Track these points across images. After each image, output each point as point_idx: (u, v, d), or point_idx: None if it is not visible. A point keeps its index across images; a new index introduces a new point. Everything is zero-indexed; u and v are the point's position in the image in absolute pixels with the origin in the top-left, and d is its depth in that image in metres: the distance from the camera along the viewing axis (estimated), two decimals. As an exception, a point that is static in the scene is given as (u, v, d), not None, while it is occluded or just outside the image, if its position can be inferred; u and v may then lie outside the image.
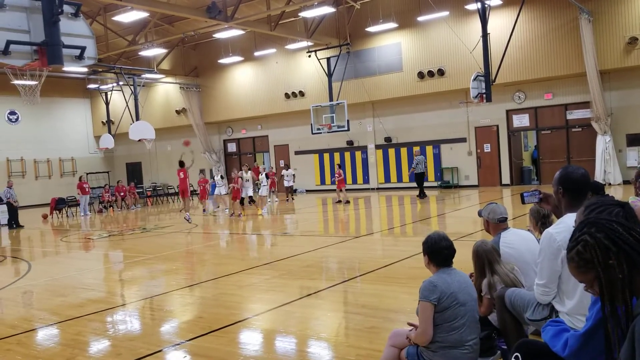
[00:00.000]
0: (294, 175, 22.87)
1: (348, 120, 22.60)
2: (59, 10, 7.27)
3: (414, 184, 23.68)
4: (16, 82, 14.30)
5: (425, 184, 23.39)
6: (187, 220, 16.50)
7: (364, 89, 23.63)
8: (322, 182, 26.43)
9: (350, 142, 25.38)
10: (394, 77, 22.98)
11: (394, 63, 22.99)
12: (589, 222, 1.90)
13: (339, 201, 19.77)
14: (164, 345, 5.59)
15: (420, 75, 22.13)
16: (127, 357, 5.22)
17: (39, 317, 7.16)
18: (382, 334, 5.09)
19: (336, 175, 20.28)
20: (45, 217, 22.66)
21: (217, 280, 8.53)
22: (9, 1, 7.04)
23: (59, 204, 23.71)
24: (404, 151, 24.12)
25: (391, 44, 22.99)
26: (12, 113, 30.09)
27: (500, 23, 19.75)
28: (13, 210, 20.08)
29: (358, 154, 25.40)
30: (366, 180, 25.17)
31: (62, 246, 14.60)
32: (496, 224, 4.57)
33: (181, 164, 17.35)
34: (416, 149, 21.70)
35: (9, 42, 6.73)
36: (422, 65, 22.14)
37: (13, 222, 20.00)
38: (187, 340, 5.61)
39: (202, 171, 22.55)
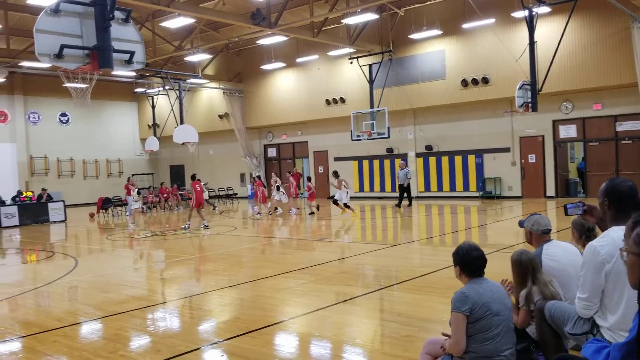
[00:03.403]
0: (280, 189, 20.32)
1: (389, 128, 22.51)
2: (111, 15, 7.54)
3: (455, 194, 23.47)
4: (68, 84, 14.83)
5: (467, 193, 23.16)
6: (206, 227, 16.74)
7: (405, 96, 23.51)
8: (361, 189, 26.39)
9: (390, 150, 25.26)
10: (437, 85, 22.78)
11: (437, 70, 22.80)
12: None
13: (312, 212, 19.26)
14: (202, 343, 5.70)
15: (464, 83, 21.86)
16: (166, 353, 5.34)
17: (83, 311, 7.40)
18: (417, 343, 5.06)
19: (306, 188, 19.96)
20: (92, 215, 23.37)
21: (254, 282, 8.63)
22: (64, 7, 7.34)
23: (105, 204, 24.42)
24: (445, 160, 23.86)
25: (435, 51, 22.81)
26: (63, 115, 31.22)
27: (548, 31, 19.35)
28: None
29: (398, 162, 25.22)
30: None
31: (107, 244, 15.03)
32: (540, 235, 4.48)
33: (193, 177, 17.97)
34: (402, 162, 21.86)
35: (63, 46, 7.01)
36: (466, 73, 21.87)
37: None
38: (225, 340, 5.70)
39: (258, 177, 22.68)
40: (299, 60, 26.29)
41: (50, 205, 22.08)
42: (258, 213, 19.89)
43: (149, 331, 6.36)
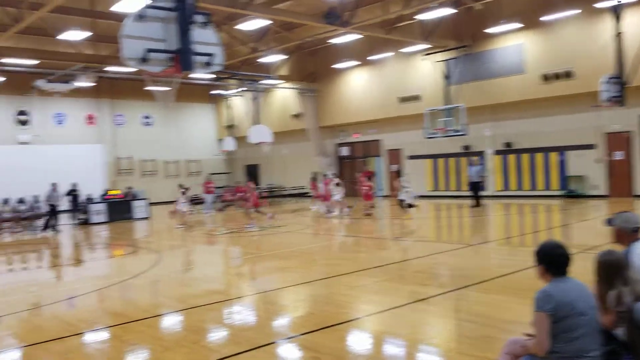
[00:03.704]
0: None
1: (465, 125, 21.99)
2: (191, 20, 7.84)
3: (536, 192, 22.58)
4: (153, 88, 15.58)
5: (549, 192, 22.20)
6: (270, 220, 17.43)
7: (482, 92, 22.86)
8: (436, 187, 25.95)
9: (466, 147, 24.66)
10: (516, 80, 21.98)
11: (515, 65, 22.00)
12: None
13: (369, 213, 18.52)
14: (277, 337, 5.81)
15: (545, 77, 20.98)
16: (244, 346, 5.49)
17: (166, 304, 7.74)
18: (496, 344, 4.92)
19: (364, 187, 18.87)
20: (172, 213, 24.32)
21: (328, 279, 8.69)
22: (148, 12, 7.70)
23: (185, 202, 25.32)
24: (525, 157, 23.00)
25: (513, 45, 22.03)
26: (147, 117, 32.77)
27: (635, 21, 18.21)
28: (54, 212, 19.45)
29: (475, 160, 24.61)
30: (482, 187, 24.28)
31: (187, 240, 15.62)
32: (629, 233, 4.25)
33: (249, 178, 18.44)
34: (474, 158, 20.81)
35: (148, 50, 7.36)
36: (546, 66, 20.97)
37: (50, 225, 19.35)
38: (299, 335, 5.79)
39: (324, 175, 22.63)
40: (372, 57, 26.21)
41: (135, 203, 23.24)
42: (330, 212, 19.86)
43: (227, 324, 6.57)
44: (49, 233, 18.77)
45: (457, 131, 22.15)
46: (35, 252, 14.69)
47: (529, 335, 3.53)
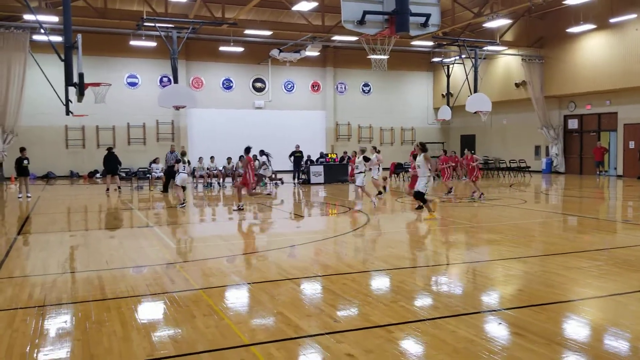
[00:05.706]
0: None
1: None
2: (411, -20, 7.73)
3: None
4: (370, 57, 15.97)
5: None
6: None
7: None
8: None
9: None
10: None
11: None
12: None
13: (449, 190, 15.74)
14: (480, 308, 5.58)
15: None
16: (442, 311, 5.40)
17: (370, 261, 7.98)
18: None
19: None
20: (385, 179, 24.92)
21: (541, 257, 8.09)
22: (368, -25, 7.79)
23: (397, 169, 25.79)
24: None
25: None
26: (366, 85, 33.79)
27: None
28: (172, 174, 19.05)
29: None
30: None
31: (397, 206, 15.86)
32: None
33: (249, 151, 15.80)
34: None
35: (365, 13, 7.48)
36: None
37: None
38: (504, 309, 5.49)
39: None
40: (612, 20, 23.17)
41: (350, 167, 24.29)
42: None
43: (429, 289, 6.52)
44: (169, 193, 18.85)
45: None
46: (265, 206, 16.28)
47: None
